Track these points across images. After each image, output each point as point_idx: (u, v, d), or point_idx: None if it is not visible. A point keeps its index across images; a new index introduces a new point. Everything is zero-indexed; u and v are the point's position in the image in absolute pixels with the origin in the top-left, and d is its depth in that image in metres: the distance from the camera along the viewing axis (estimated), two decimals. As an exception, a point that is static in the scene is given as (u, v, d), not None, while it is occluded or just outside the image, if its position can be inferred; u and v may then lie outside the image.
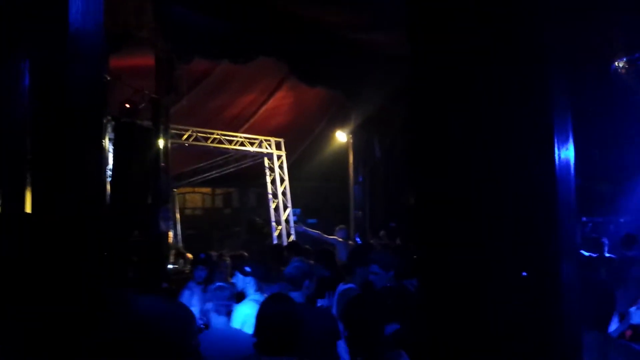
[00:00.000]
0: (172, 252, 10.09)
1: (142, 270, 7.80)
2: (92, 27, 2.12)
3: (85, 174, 2.63)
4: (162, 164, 8.95)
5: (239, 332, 3.95)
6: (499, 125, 1.62)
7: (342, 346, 3.90)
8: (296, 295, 4.26)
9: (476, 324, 1.60)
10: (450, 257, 1.65)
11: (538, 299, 1.53)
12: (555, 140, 1.57)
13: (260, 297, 4.48)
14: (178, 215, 13.90)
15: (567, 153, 1.63)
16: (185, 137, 11.29)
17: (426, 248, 1.75)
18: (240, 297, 4.75)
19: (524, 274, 1.53)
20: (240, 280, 4.75)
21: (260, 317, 3.25)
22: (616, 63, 8.60)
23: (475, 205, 1.62)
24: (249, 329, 4.03)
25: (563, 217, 1.55)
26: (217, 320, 4.01)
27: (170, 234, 11.76)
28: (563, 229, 1.56)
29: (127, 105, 8.79)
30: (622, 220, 13.75)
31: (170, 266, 10.09)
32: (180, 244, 13.02)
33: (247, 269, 4.79)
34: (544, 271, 1.54)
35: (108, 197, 8.01)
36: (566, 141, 1.63)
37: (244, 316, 4.33)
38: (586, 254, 9.80)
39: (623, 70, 7.99)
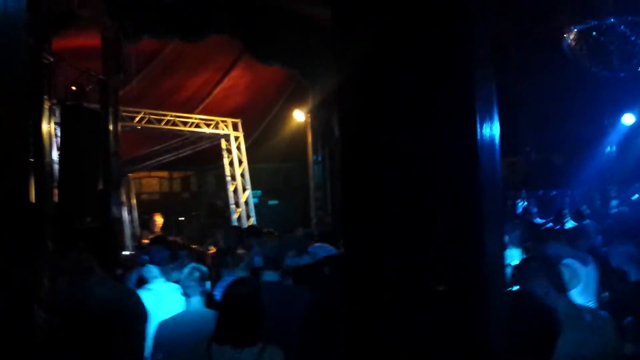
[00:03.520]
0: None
1: (95, 256, 7.56)
2: (12, 9, 1.98)
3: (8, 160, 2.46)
4: (113, 148, 8.67)
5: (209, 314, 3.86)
6: (421, 103, 1.63)
7: None
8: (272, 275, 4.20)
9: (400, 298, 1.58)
10: (377, 233, 1.62)
11: (462, 269, 1.53)
12: (478, 116, 1.56)
13: (161, 286, 4.47)
14: (134, 201, 13.59)
15: (491, 128, 1.63)
16: (137, 120, 10.97)
17: (351, 220, 1.71)
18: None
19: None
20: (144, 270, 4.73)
21: (222, 302, 3.16)
22: (567, 35, 8.64)
23: (398, 184, 1.61)
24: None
25: (486, 191, 1.57)
26: (188, 302, 3.94)
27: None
28: (486, 202, 1.56)
29: (73, 88, 8.47)
30: (576, 192, 14.07)
31: (125, 252, 9.86)
32: (137, 230, 12.75)
33: (145, 257, 4.71)
34: (468, 245, 1.54)
35: (56, 183, 7.75)
36: (490, 117, 1.64)
37: None
38: (541, 221, 10.02)
39: (574, 43, 8.02)
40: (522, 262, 3.27)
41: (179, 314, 3.93)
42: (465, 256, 1.52)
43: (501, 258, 1.71)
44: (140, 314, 3.95)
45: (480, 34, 1.64)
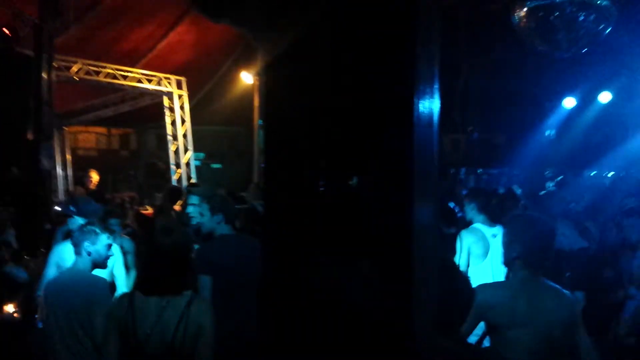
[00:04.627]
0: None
1: (22, 209, 7.22)
2: None
3: None
4: (45, 97, 8.22)
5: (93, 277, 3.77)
6: (360, 74, 1.57)
7: None
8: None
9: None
10: (302, 200, 1.57)
11: (390, 236, 1.48)
12: (417, 90, 1.54)
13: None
14: (69, 156, 13.05)
15: (430, 103, 1.59)
16: (73, 70, 10.44)
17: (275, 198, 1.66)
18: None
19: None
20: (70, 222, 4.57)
21: (147, 252, 3.02)
22: (516, 13, 8.69)
23: (331, 154, 1.57)
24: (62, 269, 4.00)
25: (420, 164, 1.54)
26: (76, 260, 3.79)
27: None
28: (419, 174, 1.56)
29: (6, 31, 7.98)
30: (515, 172, 14.43)
31: (57, 208, 9.47)
32: (71, 186, 12.28)
33: (72, 208, 4.54)
34: (397, 214, 1.52)
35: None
36: (431, 92, 1.60)
37: (59, 256, 4.26)
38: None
39: (523, 21, 8.07)
40: None
41: (64, 273, 3.81)
42: (393, 224, 1.50)
43: (431, 227, 1.67)
44: None
45: (427, 8, 1.58)
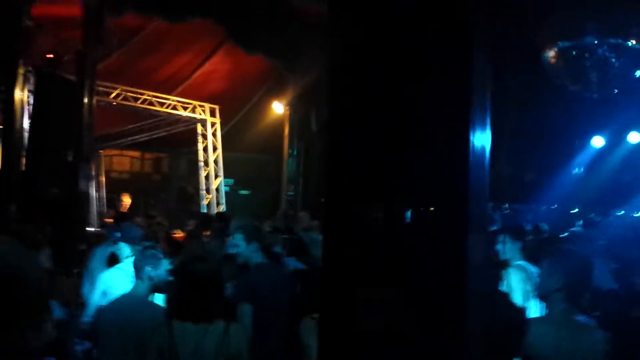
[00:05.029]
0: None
1: (59, 230, 7.44)
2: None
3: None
4: (87, 121, 8.53)
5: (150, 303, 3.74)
6: (418, 105, 1.57)
7: None
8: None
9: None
10: (361, 235, 1.60)
11: (444, 270, 1.52)
12: (471, 125, 1.54)
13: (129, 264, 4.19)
14: (103, 178, 13.40)
15: (483, 139, 1.61)
16: (113, 95, 10.82)
17: (335, 230, 1.68)
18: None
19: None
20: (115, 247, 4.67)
21: (180, 279, 3.13)
22: (547, 53, 8.78)
23: (386, 183, 1.58)
24: (114, 295, 3.89)
25: (474, 197, 1.55)
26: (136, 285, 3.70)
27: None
28: (473, 207, 1.56)
29: (50, 56, 8.31)
30: (542, 208, 14.29)
31: (90, 229, 9.72)
32: (104, 208, 12.59)
33: (117, 234, 4.62)
34: (452, 248, 1.52)
35: (25, 151, 7.60)
36: (483, 127, 1.61)
37: (106, 283, 4.26)
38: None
39: (553, 60, 8.16)
40: None
41: (120, 300, 3.64)
42: (449, 257, 1.52)
43: (483, 262, 1.70)
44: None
45: (480, 35, 1.61)
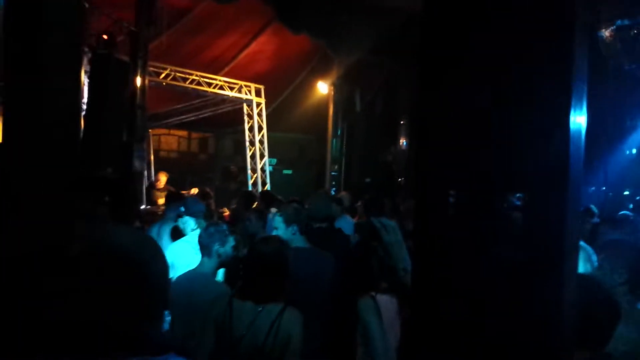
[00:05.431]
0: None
1: (114, 207, 7.66)
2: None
3: (59, 103, 2.50)
4: (140, 101, 8.72)
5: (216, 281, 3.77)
6: (518, 85, 1.57)
7: None
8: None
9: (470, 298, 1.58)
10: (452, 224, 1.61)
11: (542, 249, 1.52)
12: (572, 106, 1.51)
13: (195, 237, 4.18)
14: (152, 157, 13.70)
15: (580, 121, 1.60)
16: (162, 75, 11.00)
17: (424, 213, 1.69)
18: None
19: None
20: (180, 221, 4.68)
21: (247, 259, 3.19)
22: (602, 31, 8.55)
23: (485, 174, 1.58)
24: (181, 267, 3.92)
25: (572, 182, 1.54)
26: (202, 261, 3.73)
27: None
28: (572, 192, 1.55)
29: (105, 37, 8.47)
30: (591, 189, 13.97)
31: (142, 206, 9.99)
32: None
33: (182, 208, 4.69)
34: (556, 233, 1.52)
35: (81, 132, 7.82)
36: (581, 108, 1.60)
37: (175, 254, 4.26)
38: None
39: (609, 36, 7.94)
40: None
41: (188, 275, 3.64)
42: (548, 240, 1.51)
43: (577, 245, 1.68)
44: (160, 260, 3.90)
45: (581, 18, 1.60)
